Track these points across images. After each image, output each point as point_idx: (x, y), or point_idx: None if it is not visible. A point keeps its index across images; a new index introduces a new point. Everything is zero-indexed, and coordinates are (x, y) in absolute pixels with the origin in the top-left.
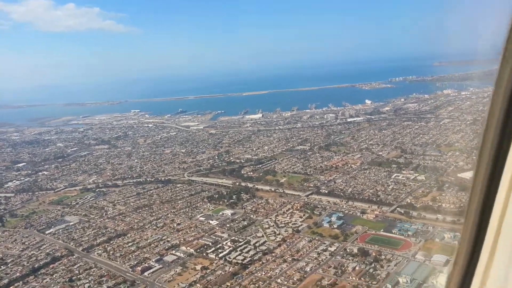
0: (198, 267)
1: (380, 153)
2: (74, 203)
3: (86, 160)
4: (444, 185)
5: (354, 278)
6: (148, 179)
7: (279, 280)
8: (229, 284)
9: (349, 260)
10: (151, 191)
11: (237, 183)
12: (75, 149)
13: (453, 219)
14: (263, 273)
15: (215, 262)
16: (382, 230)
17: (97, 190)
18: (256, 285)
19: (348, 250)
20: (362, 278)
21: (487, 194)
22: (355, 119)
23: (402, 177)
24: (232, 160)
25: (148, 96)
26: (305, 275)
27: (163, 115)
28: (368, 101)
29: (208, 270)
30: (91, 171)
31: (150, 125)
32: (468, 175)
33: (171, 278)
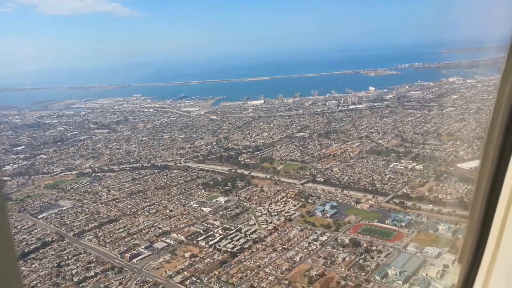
0: (187, 254)
1: (380, 141)
2: (69, 188)
3: (84, 144)
4: (442, 175)
5: (343, 269)
6: (144, 165)
7: (267, 270)
8: (216, 272)
9: (340, 250)
10: (146, 177)
11: (233, 170)
12: (74, 133)
13: (448, 211)
14: (252, 262)
15: (205, 250)
16: (376, 220)
17: (93, 174)
18: (244, 274)
19: (339, 240)
20: (351, 269)
21: (492, 190)
22: (357, 106)
23: (401, 166)
24: (230, 147)
25: (152, 80)
26: (294, 265)
27: (165, 100)
28: (371, 88)
29: (197, 258)
30: (88, 156)
31: (151, 110)
32: (467, 165)
33: (159, 266)
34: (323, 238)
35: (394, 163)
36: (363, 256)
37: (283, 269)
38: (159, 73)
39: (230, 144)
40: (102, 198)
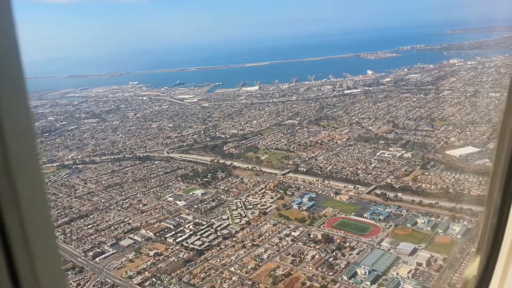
0: (152, 253)
1: (371, 127)
2: (47, 181)
3: (71, 134)
4: (429, 163)
5: (310, 268)
6: (127, 156)
7: (232, 269)
8: (179, 272)
9: (311, 247)
10: (127, 169)
11: (216, 161)
12: (64, 123)
13: (430, 202)
14: (218, 260)
15: (171, 247)
16: (353, 213)
17: (73, 166)
18: (207, 273)
19: (312, 235)
20: (319, 269)
21: (508, 178)
22: (352, 91)
23: (388, 154)
24: (217, 135)
25: (151, 67)
26: (260, 264)
27: (160, 87)
28: (369, 72)
29: (162, 257)
30: (73, 147)
31: (144, 98)
32: (457, 152)
33: (121, 265)
34: (296, 233)
35: (382, 151)
36: (334, 253)
37: (249, 268)
38: (158, 60)
39: (217, 133)
40: (77, 191)
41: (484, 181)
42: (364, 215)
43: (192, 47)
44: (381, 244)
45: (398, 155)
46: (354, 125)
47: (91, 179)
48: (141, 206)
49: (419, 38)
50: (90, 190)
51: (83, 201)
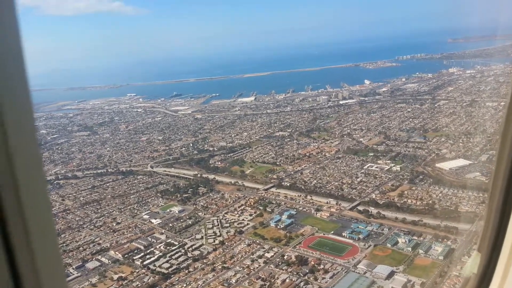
0: (116, 276)
1: (361, 139)
2: None
3: (60, 148)
4: (418, 177)
5: None
6: (110, 170)
7: None
8: None
9: (283, 270)
10: (107, 184)
11: (199, 175)
12: (55, 136)
13: (413, 219)
14: (184, 285)
15: (137, 270)
16: (332, 232)
17: (55, 182)
18: None
19: (286, 257)
20: None
21: (511, 176)
22: (348, 101)
23: (376, 167)
24: (205, 148)
25: (150, 79)
26: None
27: (157, 99)
28: (367, 82)
29: (125, 281)
30: (59, 161)
31: (139, 110)
32: (447, 165)
33: None
34: (269, 255)
35: (370, 164)
36: (306, 277)
37: None
38: (158, 71)
39: (206, 146)
40: (53, 209)
41: (473, 196)
42: (343, 234)
43: (192, 57)
44: (357, 266)
45: (386, 169)
46: (345, 136)
47: (70, 195)
48: (114, 224)
49: (419, 47)
50: (66, 207)
51: (57, 219)
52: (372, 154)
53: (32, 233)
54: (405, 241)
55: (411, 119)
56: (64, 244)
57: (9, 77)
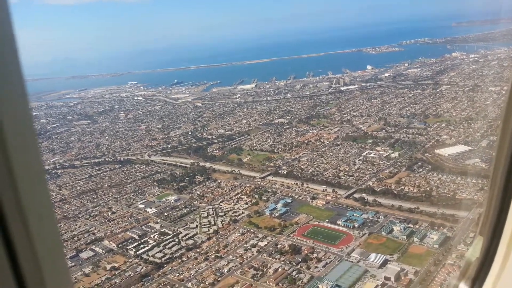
0: (109, 266)
1: (361, 126)
2: None
3: (59, 137)
4: (416, 163)
5: (270, 284)
6: (107, 159)
7: (189, 284)
8: None
9: (275, 259)
10: (105, 173)
11: (196, 163)
12: (55, 125)
13: (410, 207)
14: (177, 274)
15: (130, 260)
16: (327, 220)
17: (53, 171)
18: None
19: (279, 245)
20: (279, 284)
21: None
22: (349, 87)
23: (374, 154)
24: (203, 137)
25: (152, 67)
26: (219, 278)
27: (158, 87)
28: (369, 67)
29: (118, 271)
30: (57, 150)
31: (140, 98)
32: (446, 151)
33: (76, 280)
34: (263, 243)
35: (368, 151)
36: (298, 266)
37: (207, 283)
38: (160, 59)
39: (204, 134)
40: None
41: (472, 182)
42: (338, 222)
43: (194, 45)
44: (350, 255)
45: (384, 155)
46: (344, 123)
47: (67, 185)
48: (110, 214)
49: (423, 32)
50: (63, 197)
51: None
52: (371, 140)
53: (33, 232)
54: (400, 229)
55: (412, 105)
56: (59, 234)
57: (4, 76)
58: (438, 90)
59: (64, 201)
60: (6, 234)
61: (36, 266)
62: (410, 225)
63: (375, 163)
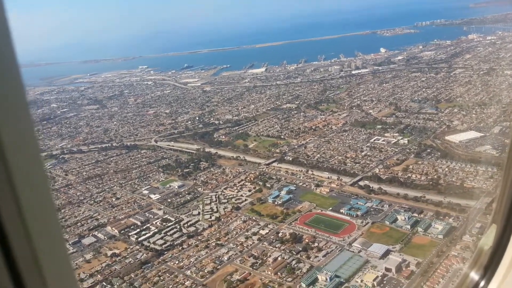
0: (110, 253)
1: (371, 111)
2: None
3: (68, 122)
4: (426, 150)
5: (269, 273)
6: (115, 144)
7: (188, 272)
8: (132, 275)
9: (276, 247)
10: (111, 158)
11: (202, 149)
12: (65, 110)
13: (415, 195)
14: (177, 262)
15: (132, 247)
16: (330, 208)
17: (60, 156)
18: (161, 277)
19: (280, 234)
20: (278, 273)
21: None
22: (361, 71)
23: (383, 140)
24: (210, 122)
25: (163, 51)
26: (219, 266)
27: (168, 71)
28: (382, 50)
29: (119, 258)
30: (66, 135)
31: (149, 83)
32: (457, 137)
33: (76, 266)
34: (264, 231)
35: (376, 137)
36: (299, 255)
37: (206, 271)
38: (172, 43)
39: (212, 119)
40: (56, 183)
41: (481, 170)
42: (341, 211)
43: (206, 28)
44: (352, 244)
45: (393, 142)
46: (354, 108)
47: (73, 170)
48: (114, 200)
49: (439, 13)
50: (68, 182)
51: (58, 194)
52: (380, 126)
53: (33, 233)
54: (405, 219)
55: (424, 89)
56: (63, 220)
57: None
58: (452, 74)
59: (70, 186)
60: (2, 235)
61: (36, 266)
62: (415, 215)
63: (383, 150)
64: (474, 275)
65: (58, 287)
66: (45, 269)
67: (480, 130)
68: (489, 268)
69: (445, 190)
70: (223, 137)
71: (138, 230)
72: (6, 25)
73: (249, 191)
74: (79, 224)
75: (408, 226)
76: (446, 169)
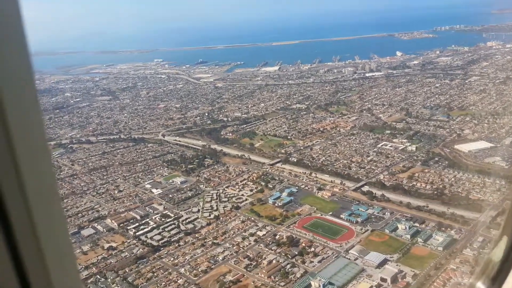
0: (107, 245)
1: (381, 115)
2: None
3: (80, 112)
4: (433, 158)
5: (262, 276)
6: (123, 137)
7: (182, 270)
8: (127, 269)
9: (272, 250)
10: (118, 151)
11: (208, 146)
12: (78, 99)
13: (418, 204)
14: (172, 259)
15: (129, 241)
16: (331, 213)
17: (69, 146)
18: (155, 274)
19: (278, 236)
20: (272, 276)
21: None
22: (374, 74)
23: (390, 146)
24: (219, 118)
25: (180, 45)
26: (213, 266)
27: (182, 65)
28: (398, 53)
29: (115, 251)
30: (76, 125)
31: (163, 76)
32: (467, 147)
33: None
34: (261, 233)
35: (384, 142)
36: (294, 259)
37: (200, 270)
38: (190, 37)
39: (221, 116)
40: (61, 173)
41: (489, 182)
42: (341, 216)
43: (223, 24)
44: (349, 251)
45: (401, 148)
46: (364, 111)
47: (80, 160)
48: (116, 192)
49: (460, 18)
50: (74, 172)
51: (63, 184)
52: (389, 131)
53: (39, 231)
54: (405, 228)
55: (437, 96)
56: (65, 210)
57: (10, 64)
58: (467, 81)
59: (75, 176)
60: (9, 233)
61: (42, 266)
62: (416, 224)
63: (389, 156)
64: (481, 286)
65: (61, 275)
66: (48, 257)
67: (491, 141)
68: (497, 279)
69: (450, 201)
70: (230, 134)
71: (137, 224)
72: (19, 15)
73: (251, 190)
74: (79, 215)
75: (408, 236)
76: (453, 179)
